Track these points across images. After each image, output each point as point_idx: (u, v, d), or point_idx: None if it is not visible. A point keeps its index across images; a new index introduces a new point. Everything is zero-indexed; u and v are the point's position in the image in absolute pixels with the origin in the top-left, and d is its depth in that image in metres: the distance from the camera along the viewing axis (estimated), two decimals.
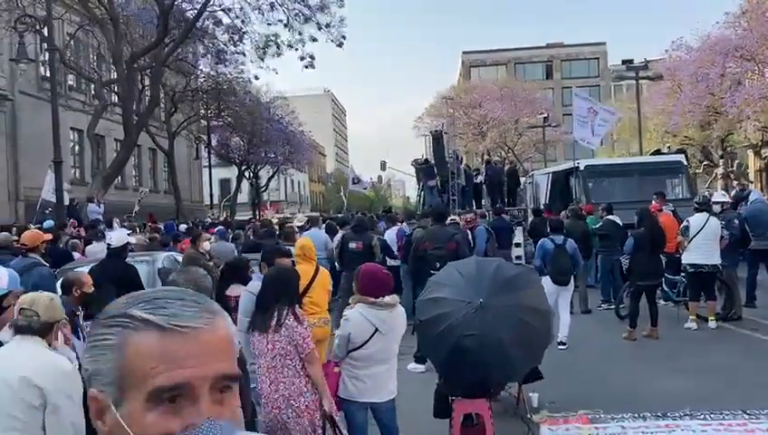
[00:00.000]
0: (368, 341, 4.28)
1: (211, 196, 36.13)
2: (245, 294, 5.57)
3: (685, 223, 9.54)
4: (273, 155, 44.50)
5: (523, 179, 22.57)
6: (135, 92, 20.92)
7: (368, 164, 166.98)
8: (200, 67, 30.08)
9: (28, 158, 22.98)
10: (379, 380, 4.39)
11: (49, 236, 7.99)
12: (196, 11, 21.09)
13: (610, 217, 11.67)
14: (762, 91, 32.02)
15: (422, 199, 23.19)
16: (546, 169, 19.53)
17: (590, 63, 65.98)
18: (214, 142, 38.57)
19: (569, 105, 60.67)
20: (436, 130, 22.17)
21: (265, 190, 52.06)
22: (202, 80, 32.08)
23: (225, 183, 61.75)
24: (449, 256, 7.80)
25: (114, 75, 26.55)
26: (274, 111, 40.61)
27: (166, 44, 20.06)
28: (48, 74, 27.64)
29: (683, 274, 9.72)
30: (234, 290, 5.96)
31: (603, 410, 5.95)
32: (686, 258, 9.39)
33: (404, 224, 12.33)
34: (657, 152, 22.26)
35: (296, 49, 22.14)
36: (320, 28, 21.46)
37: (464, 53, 67.42)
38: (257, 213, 43.17)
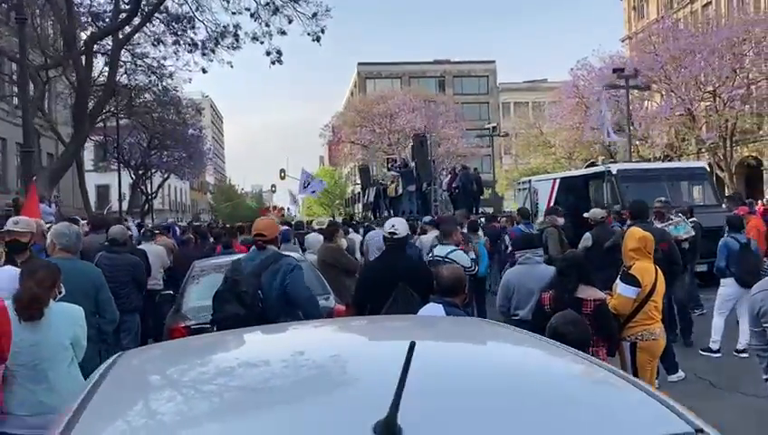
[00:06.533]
0: None
1: (119, 201, 32.54)
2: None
3: None
4: (171, 158, 41.81)
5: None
6: (91, 78, 18.14)
7: (242, 173, 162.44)
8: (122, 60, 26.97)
9: None
10: None
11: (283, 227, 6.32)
12: None
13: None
14: (669, 111, 34.34)
15: (387, 205, 22.29)
16: (548, 174, 19.29)
17: (479, 81, 68.10)
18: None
19: (461, 121, 62.30)
20: (419, 134, 21.33)
21: (155, 197, 48.48)
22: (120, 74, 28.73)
23: (102, 189, 56.81)
24: (664, 259, 6.88)
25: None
26: (184, 112, 37.92)
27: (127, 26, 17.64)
28: None
29: None
30: (587, 292, 4.79)
31: None
32: None
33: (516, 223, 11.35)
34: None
35: (261, 42, 20.42)
36: (290, 21, 19.94)
37: (359, 64, 67.21)
38: (151, 218, 40.05)
